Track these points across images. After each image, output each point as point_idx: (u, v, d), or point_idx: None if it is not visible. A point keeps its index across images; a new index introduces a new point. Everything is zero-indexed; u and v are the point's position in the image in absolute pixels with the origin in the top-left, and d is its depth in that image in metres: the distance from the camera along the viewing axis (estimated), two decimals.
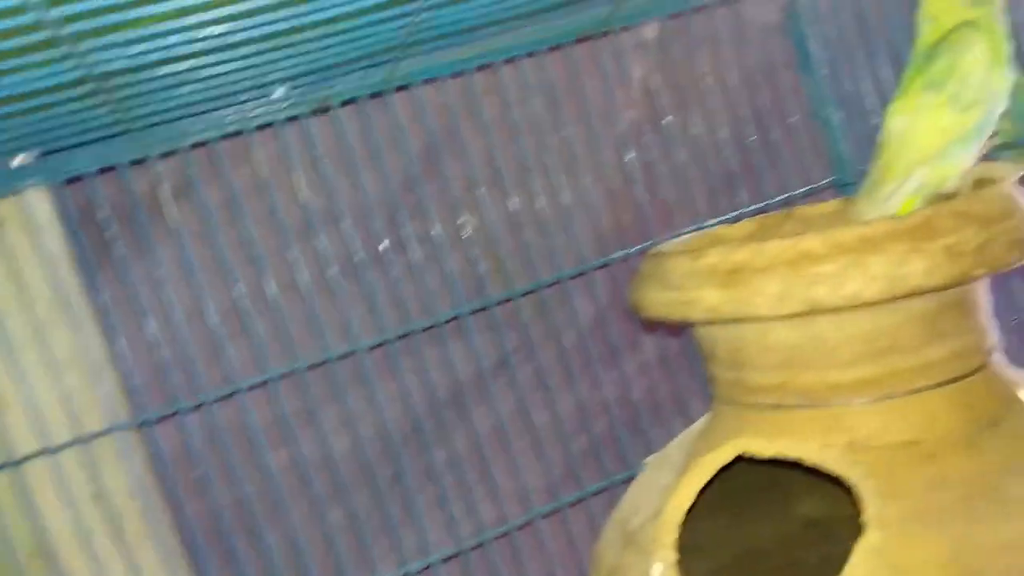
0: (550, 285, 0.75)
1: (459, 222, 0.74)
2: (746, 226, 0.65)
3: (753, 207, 0.78)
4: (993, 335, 0.49)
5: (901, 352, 0.46)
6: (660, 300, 0.50)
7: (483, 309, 0.73)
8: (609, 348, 0.78)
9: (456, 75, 0.71)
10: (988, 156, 0.58)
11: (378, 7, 0.51)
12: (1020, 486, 0.43)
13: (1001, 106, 0.51)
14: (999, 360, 0.50)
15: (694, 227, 0.76)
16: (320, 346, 0.69)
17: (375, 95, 0.69)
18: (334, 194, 0.71)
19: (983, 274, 0.43)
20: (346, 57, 0.60)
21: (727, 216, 0.77)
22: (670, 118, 0.78)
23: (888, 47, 0.70)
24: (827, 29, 0.78)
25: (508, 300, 0.74)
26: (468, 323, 0.72)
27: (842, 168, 0.80)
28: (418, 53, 0.63)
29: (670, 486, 0.53)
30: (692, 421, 0.61)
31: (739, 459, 0.51)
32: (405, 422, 0.73)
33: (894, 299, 0.43)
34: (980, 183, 0.52)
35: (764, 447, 0.50)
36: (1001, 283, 0.51)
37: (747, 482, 0.59)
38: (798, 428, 0.49)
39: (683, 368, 0.81)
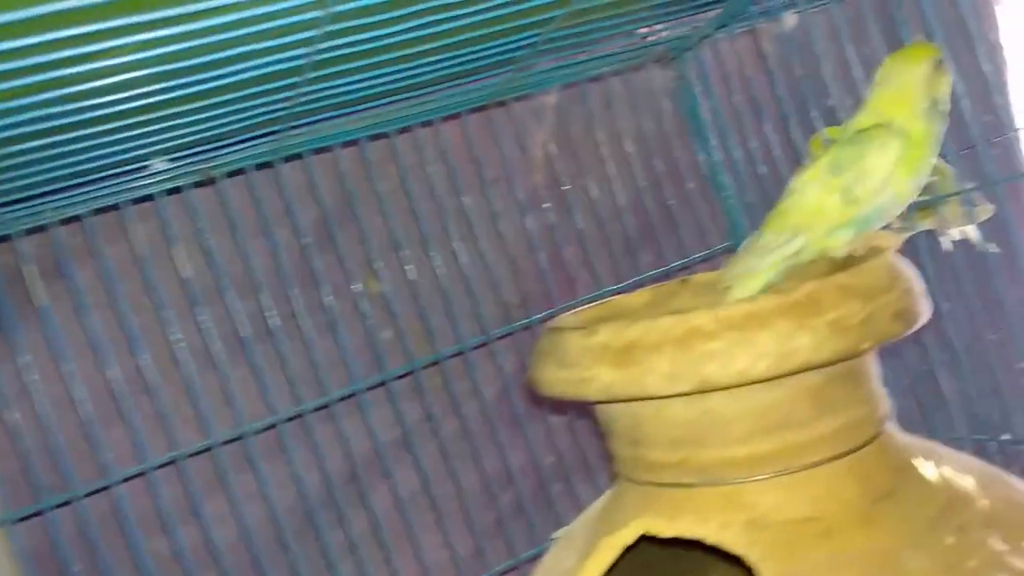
0: (452, 356, 0.73)
1: (355, 293, 0.72)
2: (643, 295, 0.64)
3: (653, 272, 0.78)
4: (885, 404, 0.50)
5: (794, 427, 0.46)
6: (557, 378, 0.49)
7: (381, 384, 0.70)
8: (514, 417, 0.76)
9: (348, 144, 0.69)
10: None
11: (260, 79, 0.49)
12: (917, 559, 0.42)
13: (898, 207, 0.53)
14: (892, 428, 0.50)
15: (595, 294, 0.76)
16: (203, 431, 0.65)
17: (263, 165, 0.66)
18: (219, 268, 0.67)
19: (869, 347, 0.44)
20: (229, 128, 0.57)
21: (628, 282, 0.77)
22: (569, 185, 0.78)
23: (777, 115, 0.72)
24: (717, 97, 0.80)
25: (408, 373, 0.72)
26: (365, 399, 0.69)
27: (737, 232, 0.81)
28: (306, 123, 0.61)
29: (573, 570, 0.51)
30: (601, 488, 0.59)
31: (643, 538, 0.50)
32: (297, 508, 0.69)
33: (783, 375, 0.43)
34: (870, 252, 0.53)
35: (666, 527, 0.48)
36: (892, 346, 0.52)
37: (652, 560, 0.57)
38: (698, 506, 0.47)
39: (590, 433, 0.80)
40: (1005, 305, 0.61)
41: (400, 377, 0.71)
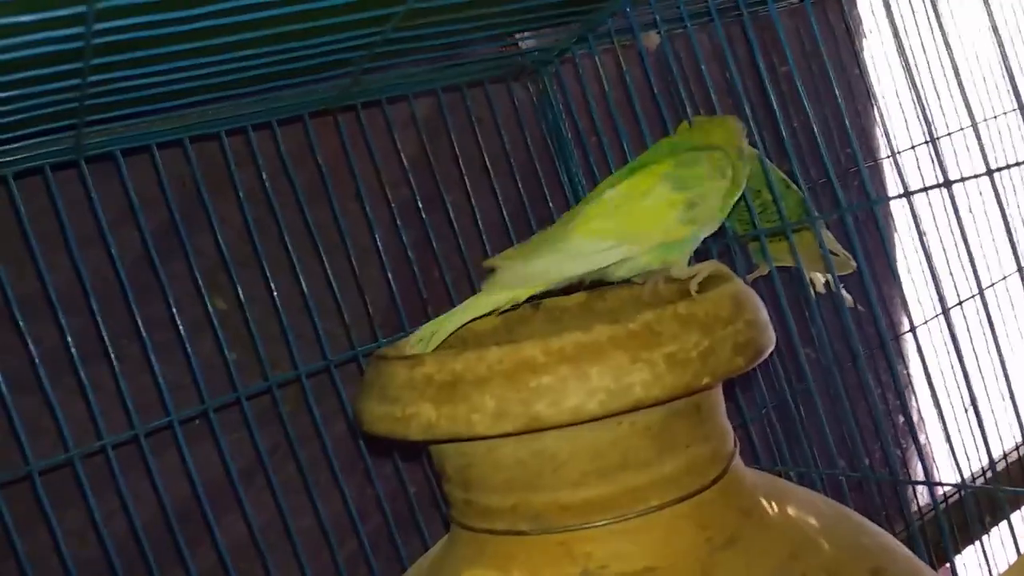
0: (314, 374, 0.66)
1: (212, 307, 0.64)
2: (493, 320, 0.60)
3: None
4: (730, 439, 0.47)
5: (632, 468, 0.42)
6: (378, 414, 0.44)
7: (234, 403, 0.63)
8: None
9: (197, 139, 0.62)
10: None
11: (33, 61, 0.42)
12: None
13: (708, 231, 0.53)
14: (738, 466, 0.47)
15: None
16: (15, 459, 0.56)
17: (62, 165, 0.59)
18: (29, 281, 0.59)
19: (709, 383, 0.40)
20: (11, 120, 0.49)
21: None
22: (433, 200, 0.73)
23: (637, 135, 0.70)
24: (579, 115, 0.77)
25: (265, 392, 0.65)
26: (214, 420, 0.61)
27: None
28: (110, 118, 0.53)
29: None
30: None
31: None
32: (129, 542, 0.61)
33: (618, 413, 0.39)
34: (710, 282, 0.50)
35: None
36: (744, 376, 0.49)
37: None
38: (531, 556, 0.43)
39: None
40: (856, 335, 0.60)
41: (254, 396, 0.64)
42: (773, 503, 0.46)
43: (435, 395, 0.41)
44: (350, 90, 0.65)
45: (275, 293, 0.65)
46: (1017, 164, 0.55)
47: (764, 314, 0.45)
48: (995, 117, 1.08)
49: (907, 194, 0.58)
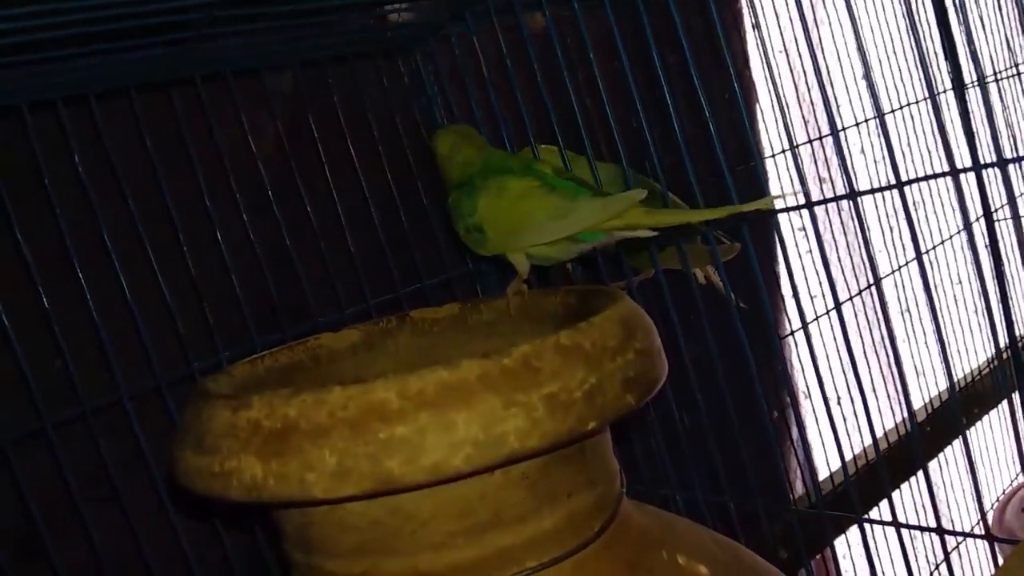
0: (134, 397, 0.56)
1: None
2: (352, 334, 0.52)
3: (381, 299, 0.66)
4: (617, 480, 0.41)
5: (506, 525, 0.36)
6: (194, 467, 0.35)
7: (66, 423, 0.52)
8: None
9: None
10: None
11: None
12: None
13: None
14: (625, 509, 0.41)
15: (334, 317, 0.62)
16: None
17: None
18: None
19: (595, 427, 0.34)
20: None
21: (351, 310, 0.64)
22: (294, 188, 0.63)
23: (516, 120, 0.63)
24: (454, 97, 0.70)
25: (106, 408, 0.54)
26: (50, 437, 0.51)
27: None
28: None
29: None
30: None
31: None
32: None
33: (487, 469, 0.32)
34: (593, 299, 0.44)
35: None
36: None
37: None
38: None
39: None
40: (748, 355, 0.56)
41: (96, 412, 0.53)
42: (664, 552, 0.41)
43: (262, 447, 0.33)
44: (186, 59, 0.55)
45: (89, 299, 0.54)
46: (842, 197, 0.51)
47: (657, 339, 0.40)
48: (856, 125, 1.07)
49: (809, 205, 0.54)
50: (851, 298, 1.04)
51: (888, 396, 1.04)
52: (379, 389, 0.32)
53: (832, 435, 0.58)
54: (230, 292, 0.61)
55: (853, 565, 0.97)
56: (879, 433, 0.57)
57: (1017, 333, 0.68)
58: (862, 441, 0.83)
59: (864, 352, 1.04)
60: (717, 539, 0.46)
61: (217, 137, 0.60)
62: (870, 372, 0.97)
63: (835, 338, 0.86)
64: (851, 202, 0.52)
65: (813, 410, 0.86)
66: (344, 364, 0.51)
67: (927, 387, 1.08)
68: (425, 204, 0.69)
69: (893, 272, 1.06)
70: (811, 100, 1.08)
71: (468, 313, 0.53)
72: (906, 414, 0.54)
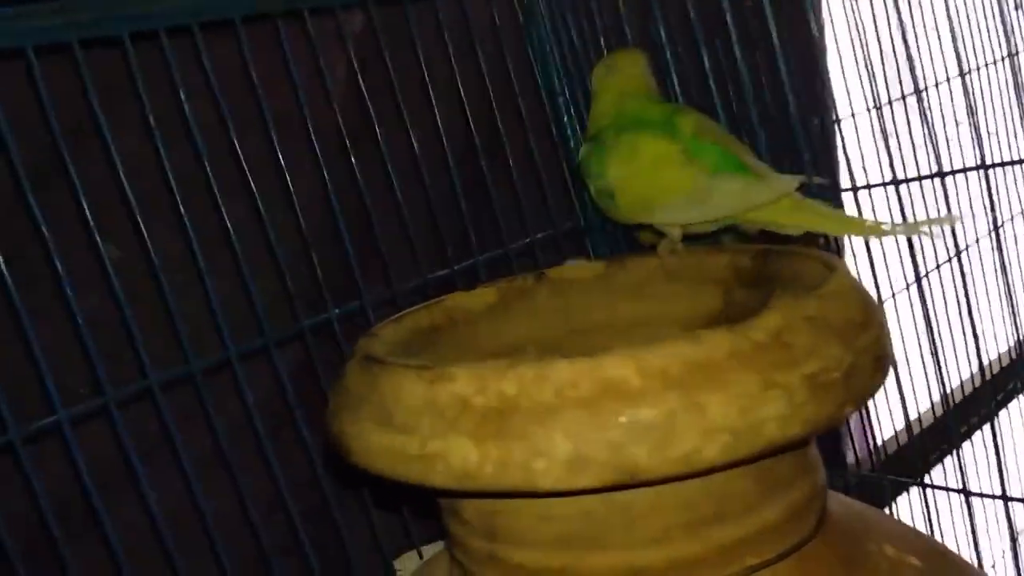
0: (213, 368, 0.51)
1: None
2: (486, 294, 0.48)
3: (487, 255, 0.61)
4: (822, 467, 0.37)
5: (731, 518, 0.32)
6: (380, 446, 0.31)
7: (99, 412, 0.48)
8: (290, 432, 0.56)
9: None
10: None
11: None
12: None
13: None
14: (831, 502, 0.37)
15: (415, 284, 0.57)
16: None
17: None
18: None
19: (850, 413, 0.30)
20: None
21: (454, 268, 0.59)
22: (379, 133, 0.58)
23: None
24: (571, 34, 0.64)
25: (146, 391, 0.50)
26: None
27: (587, 209, 0.66)
28: None
29: None
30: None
31: None
32: None
33: (742, 461, 0.28)
34: (775, 259, 0.39)
35: None
36: None
37: None
38: None
39: None
40: None
41: (136, 398, 0.49)
42: (871, 543, 0.37)
43: (476, 428, 0.28)
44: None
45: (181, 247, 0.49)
46: None
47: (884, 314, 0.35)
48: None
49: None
50: (933, 271, 0.99)
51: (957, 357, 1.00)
52: (613, 365, 0.28)
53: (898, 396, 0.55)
54: (332, 240, 0.56)
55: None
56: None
57: None
58: (916, 406, 0.79)
59: (937, 320, 0.99)
60: (903, 524, 0.42)
61: (322, 74, 0.55)
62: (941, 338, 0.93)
63: (912, 307, 0.81)
64: (938, 181, 0.49)
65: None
66: (481, 326, 0.47)
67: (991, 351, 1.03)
68: (536, 149, 0.64)
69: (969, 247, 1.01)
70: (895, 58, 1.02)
71: (613, 272, 0.48)
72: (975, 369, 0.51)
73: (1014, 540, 0.60)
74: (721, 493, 0.31)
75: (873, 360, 0.31)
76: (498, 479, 0.28)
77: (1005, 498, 0.56)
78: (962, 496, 0.58)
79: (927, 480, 0.65)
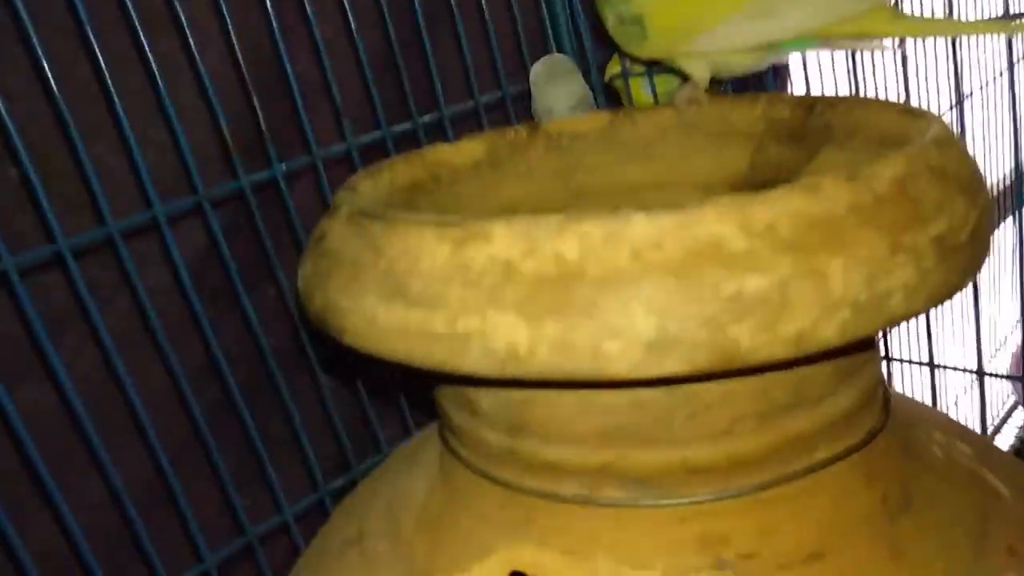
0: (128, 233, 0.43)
1: None
2: (473, 146, 0.41)
3: (457, 107, 0.53)
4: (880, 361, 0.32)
5: (805, 407, 0.27)
6: (390, 324, 0.24)
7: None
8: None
9: None
10: None
11: None
12: None
13: None
14: (892, 396, 0.33)
15: (374, 136, 0.49)
16: None
17: None
18: None
19: (967, 283, 0.25)
20: None
21: (421, 120, 0.50)
22: None
23: None
24: None
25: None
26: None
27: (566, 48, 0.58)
28: None
29: None
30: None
31: None
32: None
33: (858, 342, 0.23)
34: (825, 110, 0.34)
35: (565, 570, 0.28)
36: None
37: None
38: (628, 537, 0.27)
39: None
40: None
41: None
42: (923, 430, 0.33)
43: (525, 301, 0.22)
44: None
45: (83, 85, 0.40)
46: None
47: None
48: None
49: None
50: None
51: None
52: (709, 220, 0.22)
53: None
54: (272, 79, 0.47)
55: None
56: None
57: None
58: None
59: None
60: (934, 408, 0.39)
61: None
62: None
63: None
64: None
65: None
66: (468, 185, 0.40)
67: None
68: None
69: None
70: None
71: (619, 126, 0.42)
72: None
73: (934, 404, 0.59)
74: (800, 378, 0.26)
75: (989, 221, 0.26)
76: (554, 364, 0.22)
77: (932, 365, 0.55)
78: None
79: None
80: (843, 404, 0.28)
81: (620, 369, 0.21)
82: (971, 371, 0.55)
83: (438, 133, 0.51)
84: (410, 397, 0.55)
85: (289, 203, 0.45)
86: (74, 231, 0.38)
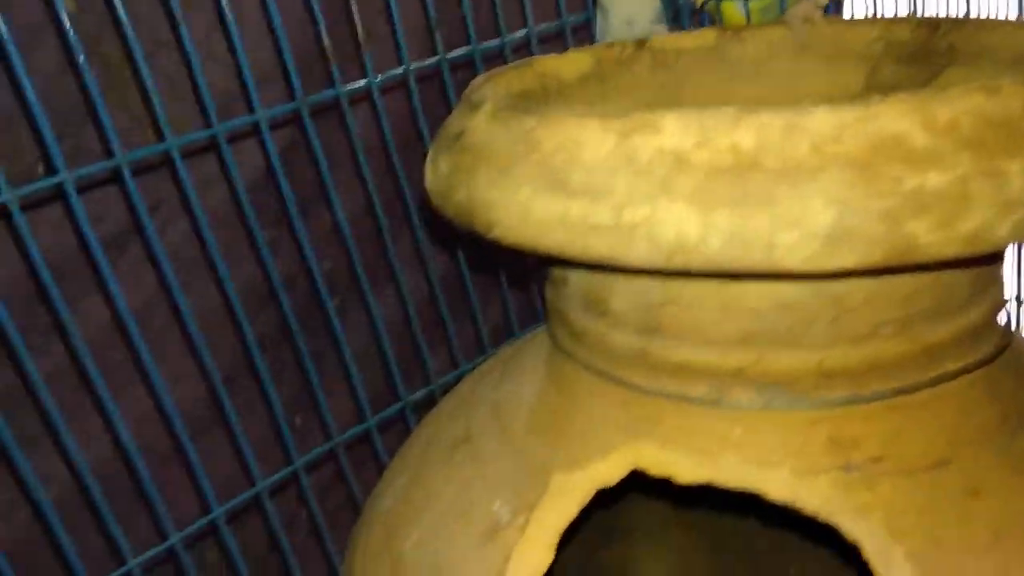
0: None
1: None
2: (579, 60, 0.40)
3: (483, 46, 0.51)
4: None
5: (942, 316, 0.27)
6: (549, 215, 0.24)
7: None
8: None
9: None
10: None
11: None
12: None
13: None
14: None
15: (489, 46, 0.48)
16: None
17: None
18: None
19: None
20: None
21: (483, 47, 0.50)
22: None
23: None
24: None
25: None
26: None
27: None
28: None
29: (502, 521, 0.30)
30: None
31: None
32: None
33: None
34: (948, 31, 0.33)
35: (689, 468, 0.29)
36: None
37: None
38: (758, 439, 0.28)
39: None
40: None
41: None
42: None
43: (698, 191, 0.22)
44: None
45: None
46: None
47: None
48: None
49: None
50: None
51: None
52: (891, 115, 0.21)
53: None
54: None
55: None
56: None
57: None
58: None
59: None
60: None
61: None
62: None
63: None
64: None
65: None
66: (576, 97, 0.40)
67: None
68: None
69: None
70: None
71: (727, 44, 0.41)
72: None
73: None
74: (944, 285, 0.26)
75: None
76: (725, 255, 0.22)
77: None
78: None
79: None
80: (975, 317, 0.28)
81: (794, 261, 0.22)
82: None
83: (498, 60, 0.50)
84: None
85: (351, 125, 0.44)
86: (135, 147, 0.38)
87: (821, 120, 0.22)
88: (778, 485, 0.27)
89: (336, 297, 0.55)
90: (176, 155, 0.38)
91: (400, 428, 0.51)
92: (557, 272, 0.32)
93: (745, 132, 0.22)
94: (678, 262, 0.23)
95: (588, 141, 0.24)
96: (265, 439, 0.51)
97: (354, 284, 0.50)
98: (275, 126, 0.48)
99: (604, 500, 0.31)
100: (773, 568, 0.53)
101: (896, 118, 0.21)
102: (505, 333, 0.60)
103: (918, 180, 0.21)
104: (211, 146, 0.46)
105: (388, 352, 0.48)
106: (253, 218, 0.41)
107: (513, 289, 0.58)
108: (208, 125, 0.40)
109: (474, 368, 0.43)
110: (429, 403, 0.49)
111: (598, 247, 0.24)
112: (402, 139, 0.49)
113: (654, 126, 0.23)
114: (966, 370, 0.28)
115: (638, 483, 0.30)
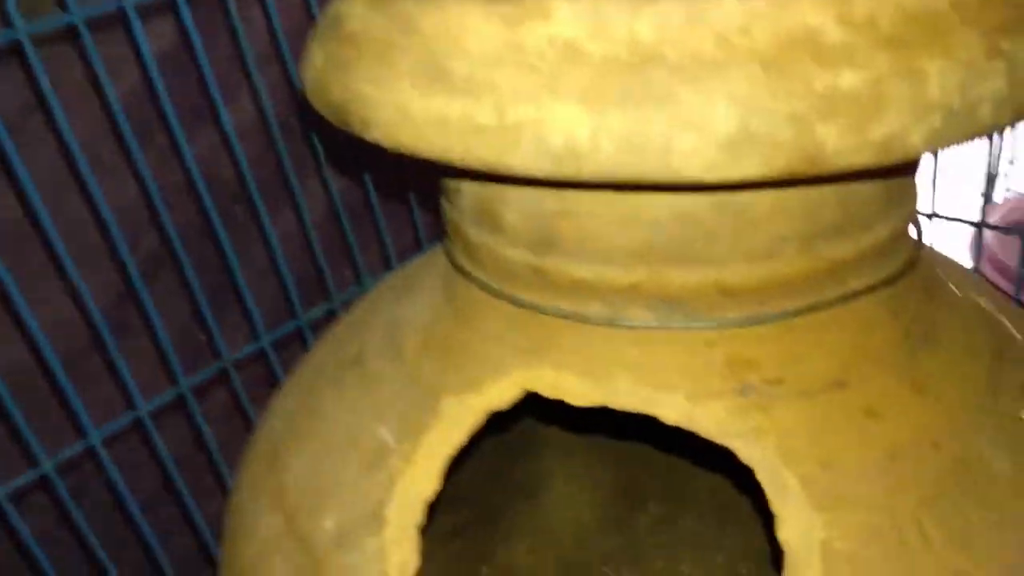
0: None
1: None
2: None
3: None
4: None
5: (847, 232, 0.26)
6: (428, 114, 0.22)
7: None
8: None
9: None
10: None
11: None
12: (998, 454, 0.27)
13: None
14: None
15: None
16: None
17: None
18: None
19: None
20: None
21: None
22: None
23: None
24: None
25: None
26: None
27: None
28: None
29: (391, 449, 0.29)
30: None
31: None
32: None
33: (937, 151, 0.21)
34: None
35: (584, 390, 0.27)
36: None
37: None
38: (654, 359, 0.27)
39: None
40: None
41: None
42: (954, 281, 0.33)
43: (590, 88, 0.20)
44: None
45: None
46: None
47: None
48: None
49: None
50: None
51: None
52: (804, 7, 0.19)
53: None
54: None
55: None
56: None
57: None
58: None
59: None
60: (958, 263, 0.39)
61: None
62: None
63: None
64: None
65: None
66: None
67: None
68: None
69: None
70: None
71: None
72: None
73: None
74: (853, 197, 0.25)
75: None
76: (618, 162, 0.20)
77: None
78: None
79: None
80: (882, 235, 0.27)
81: (692, 170, 0.19)
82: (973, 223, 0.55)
83: None
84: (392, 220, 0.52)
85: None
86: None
87: (729, 10, 0.19)
88: (673, 408, 0.26)
89: (241, 207, 0.52)
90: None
91: (302, 350, 0.48)
92: (451, 182, 0.30)
93: (645, 22, 0.19)
94: (567, 171, 0.20)
95: (471, 28, 0.21)
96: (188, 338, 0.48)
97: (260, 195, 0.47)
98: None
99: (515, 415, 0.29)
100: (680, 482, 0.53)
101: (810, 10, 0.19)
102: (415, 253, 0.57)
103: (829, 80, 0.19)
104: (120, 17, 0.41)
105: (282, 267, 0.45)
106: (131, 135, 0.37)
107: (424, 209, 0.55)
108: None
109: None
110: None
111: (481, 151, 0.21)
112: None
113: (544, 12, 0.20)
114: (871, 289, 0.27)
115: (545, 400, 0.28)
